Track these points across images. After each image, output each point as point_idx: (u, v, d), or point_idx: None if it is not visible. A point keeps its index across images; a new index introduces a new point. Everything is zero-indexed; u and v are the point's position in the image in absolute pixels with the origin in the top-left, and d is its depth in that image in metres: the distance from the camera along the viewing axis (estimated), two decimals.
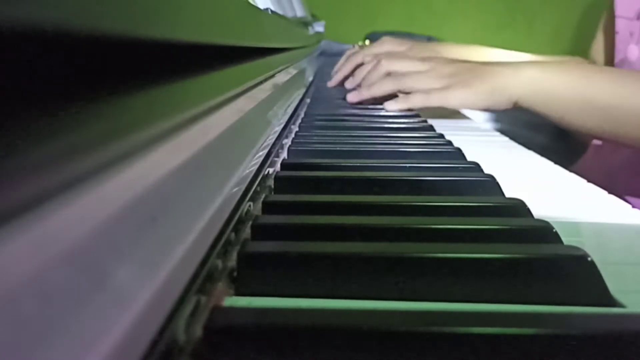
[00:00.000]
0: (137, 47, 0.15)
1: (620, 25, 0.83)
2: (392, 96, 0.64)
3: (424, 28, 2.09)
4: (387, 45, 0.85)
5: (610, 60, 0.88)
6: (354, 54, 0.83)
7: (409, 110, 0.61)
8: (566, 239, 0.22)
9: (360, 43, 0.99)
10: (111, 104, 0.15)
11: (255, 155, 0.28)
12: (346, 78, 0.80)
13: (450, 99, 0.58)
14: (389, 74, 0.65)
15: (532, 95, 0.57)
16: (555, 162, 0.43)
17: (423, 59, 0.64)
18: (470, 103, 0.59)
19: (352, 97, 0.66)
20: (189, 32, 0.19)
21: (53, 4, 0.10)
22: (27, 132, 0.11)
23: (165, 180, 0.15)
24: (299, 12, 0.96)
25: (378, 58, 0.68)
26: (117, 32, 0.12)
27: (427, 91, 0.59)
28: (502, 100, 0.58)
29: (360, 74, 0.71)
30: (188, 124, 0.19)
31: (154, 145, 0.15)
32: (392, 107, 0.61)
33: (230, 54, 0.29)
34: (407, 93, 0.61)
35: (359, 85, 0.69)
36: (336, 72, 0.84)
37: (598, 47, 0.92)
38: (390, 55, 0.70)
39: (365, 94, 0.65)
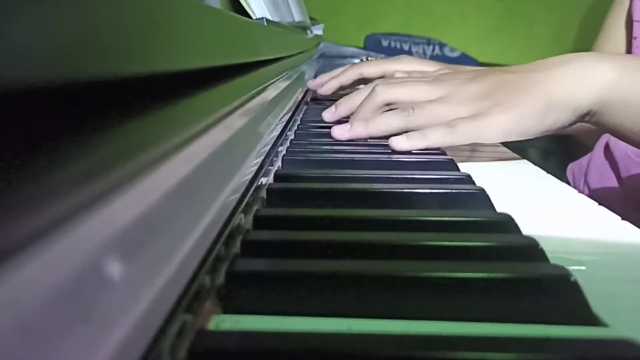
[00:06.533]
0: (121, 82, 0.15)
1: None
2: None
3: (423, 30, 2.10)
4: (404, 63, 0.61)
5: None
6: (357, 65, 0.64)
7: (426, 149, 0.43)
8: (557, 255, 0.22)
9: (364, 59, 0.80)
10: (98, 130, 0.15)
11: (249, 167, 0.28)
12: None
13: (485, 131, 0.41)
14: (388, 106, 0.48)
15: (614, 103, 0.40)
16: (555, 164, 0.42)
17: (434, 79, 0.48)
18: (516, 132, 0.41)
19: (339, 133, 0.47)
20: (184, 61, 0.19)
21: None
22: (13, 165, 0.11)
23: (155, 198, 0.15)
24: (298, 16, 0.96)
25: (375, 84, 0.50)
26: (104, 75, 0.13)
27: (450, 124, 0.42)
28: (565, 117, 0.40)
29: (348, 101, 0.52)
30: (183, 139, 0.19)
31: (144, 162, 0.15)
32: (402, 144, 0.43)
33: (223, 70, 0.29)
34: None
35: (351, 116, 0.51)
36: (328, 79, 0.65)
37: (604, 49, 0.86)
38: (389, 80, 0.52)
39: (359, 130, 0.46)
